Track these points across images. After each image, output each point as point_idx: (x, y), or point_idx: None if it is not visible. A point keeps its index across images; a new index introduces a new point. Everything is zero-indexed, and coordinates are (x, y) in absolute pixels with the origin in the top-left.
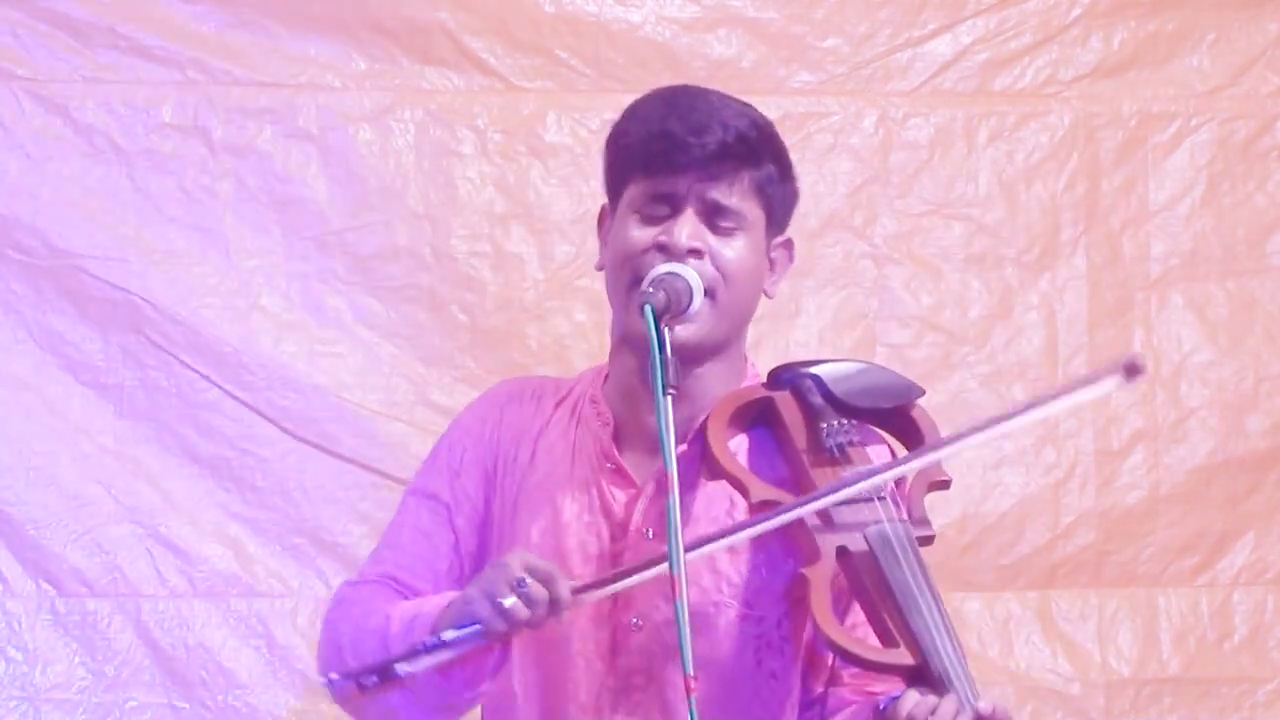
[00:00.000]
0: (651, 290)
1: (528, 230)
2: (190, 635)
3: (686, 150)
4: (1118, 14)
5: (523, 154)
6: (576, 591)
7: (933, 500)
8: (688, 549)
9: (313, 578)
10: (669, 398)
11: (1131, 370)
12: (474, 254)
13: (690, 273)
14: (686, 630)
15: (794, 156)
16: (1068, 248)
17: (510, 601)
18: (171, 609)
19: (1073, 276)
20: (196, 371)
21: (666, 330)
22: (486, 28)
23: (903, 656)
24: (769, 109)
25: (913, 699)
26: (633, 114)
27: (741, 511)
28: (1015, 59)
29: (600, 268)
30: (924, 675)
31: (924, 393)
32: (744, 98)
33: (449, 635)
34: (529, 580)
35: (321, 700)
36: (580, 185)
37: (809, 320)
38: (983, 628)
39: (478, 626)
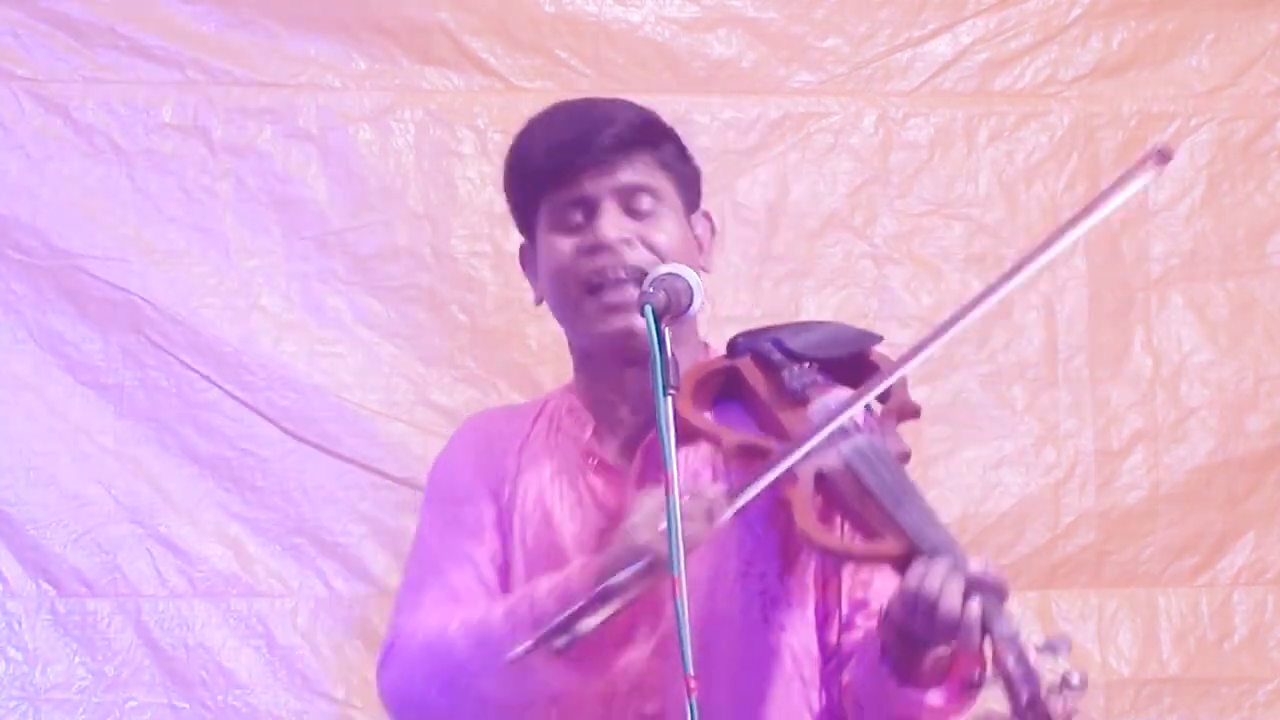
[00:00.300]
0: (651, 290)
1: None
2: (190, 635)
3: (585, 150)
4: (1117, 14)
5: None
6: (730, 495)
7: (905, 433)
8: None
9: (313, 578)
10: (670, 397)
11: (1163, 157)
12: (474, 254)
13: (689, 272)
14: (686, 630)
15: (794, 156)
16: (1067, 248)
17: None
18: (171, 609)
19: (1072, 276)
20: (196, 371)
21: (666, 330)
22: (486, 28)
23: (890, 546)
24: (769, 109)
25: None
26: (522, 140)
27: (726, 475)
28: (1015, 59)
29: (539, 301)
30: (914, 557)
31: (880, 339)
32: (744, 98)
33: (620, 578)
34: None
35: (322, 700)
36: None
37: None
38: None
39: (644, 561)
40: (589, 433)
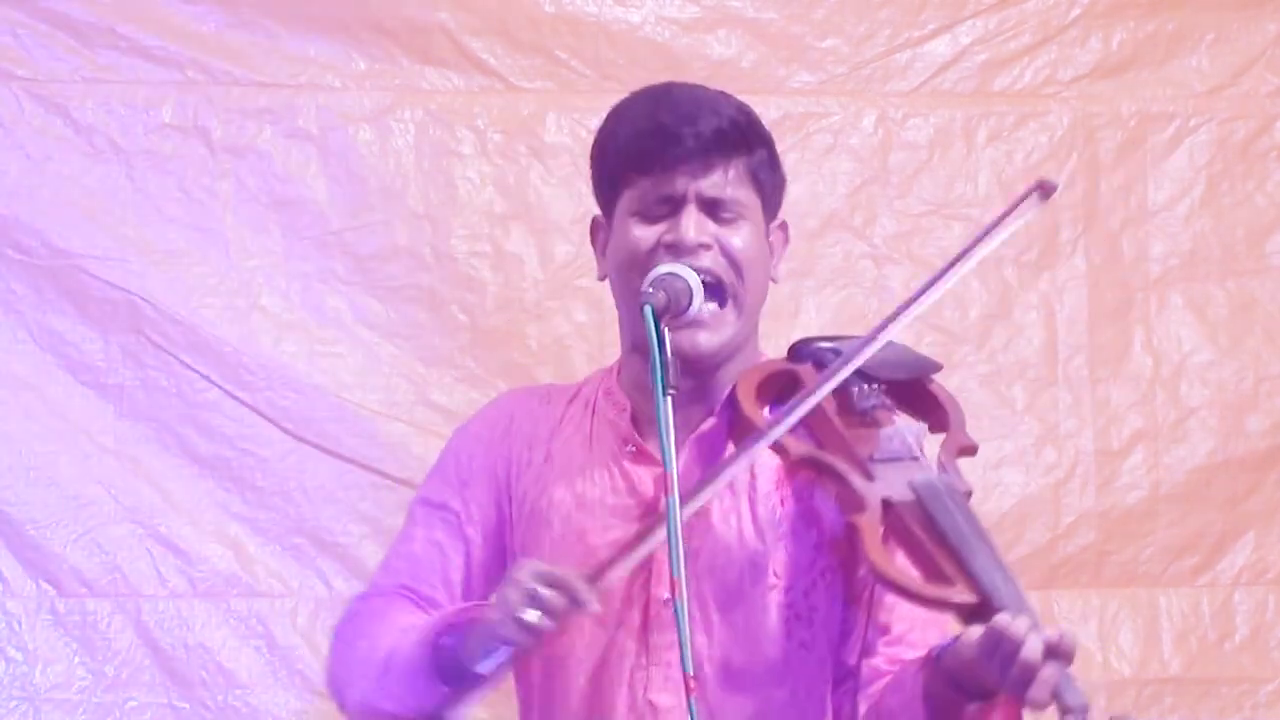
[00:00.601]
0: (651, 290)
1: (527, 230)
2: (190, 635)
3: (680, 141)
4: (1117, 14)
5: (522, 154)
6: (591, 580)
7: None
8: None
9: (313, 578)
10: (669, 399)
11: (1045, 191)
12: (474, 254)
13: (689, 273)
14: (687, 630)
15: (794, 156)
16: (1067, 248)
17: (532, 615)
18: (171, 609)
19: (1072, 277)
20: (196, 371)
21: (667, 330)
22: (486, 28)
23: (963, 594)
24: (769, 109)
25: (977, 631)
26: (618, 116)
27: (761, 480)
28: (1014, 59)
29: (603, 278)
30: (986, 613)
31: (940, 366)
32: (744, 98)
33: (485, 668)
34: (540, 590)
35: (321, 700)
36: (580, 185)
37: (809, 320)
38: None
39: (508, 649)
40: (627, 419)
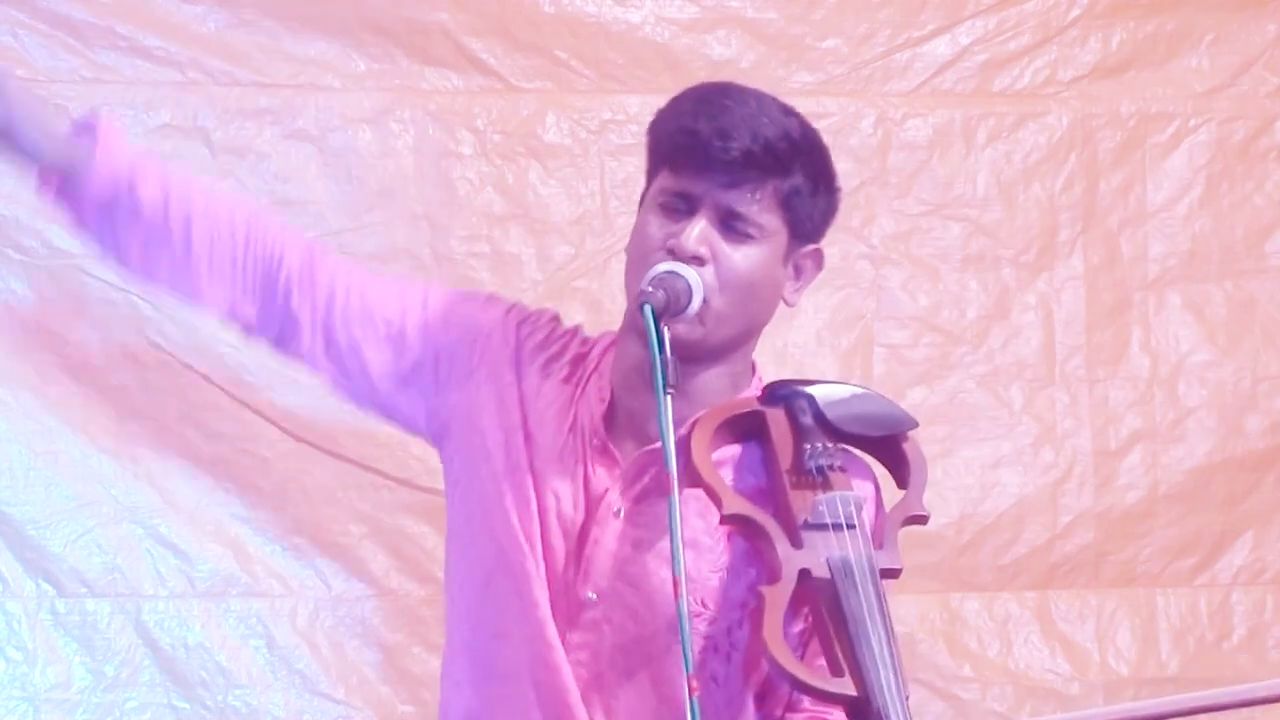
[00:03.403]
0: (651, 289)
1: (526, 231)
2: (190, 635)
3: (708, 152)
4: (1116, 14)
5: (522, 155)
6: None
7: (907, 533)
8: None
9: (313, 578)
10: (669, 396)
11: None
12: (472, 255)
13: (690, 273)
14: (687, 630)
15: None
16: (1065, 248)
17: None
18: (171, 609)
19: (1070, 277)
20: (196, 371)
21: (666, 328)
22: (486, 28)
23: (845, 686)
24: None
25: None
26: (672, 104)
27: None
28: (1014, 59)
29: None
30: (864, 710)
31: (916, 425)
32: None
33: None
34: None
35: (321, 700)
36: (579, 186)
37: (806, 321)
38: (981, 628)
39: None
40: (603, 410)
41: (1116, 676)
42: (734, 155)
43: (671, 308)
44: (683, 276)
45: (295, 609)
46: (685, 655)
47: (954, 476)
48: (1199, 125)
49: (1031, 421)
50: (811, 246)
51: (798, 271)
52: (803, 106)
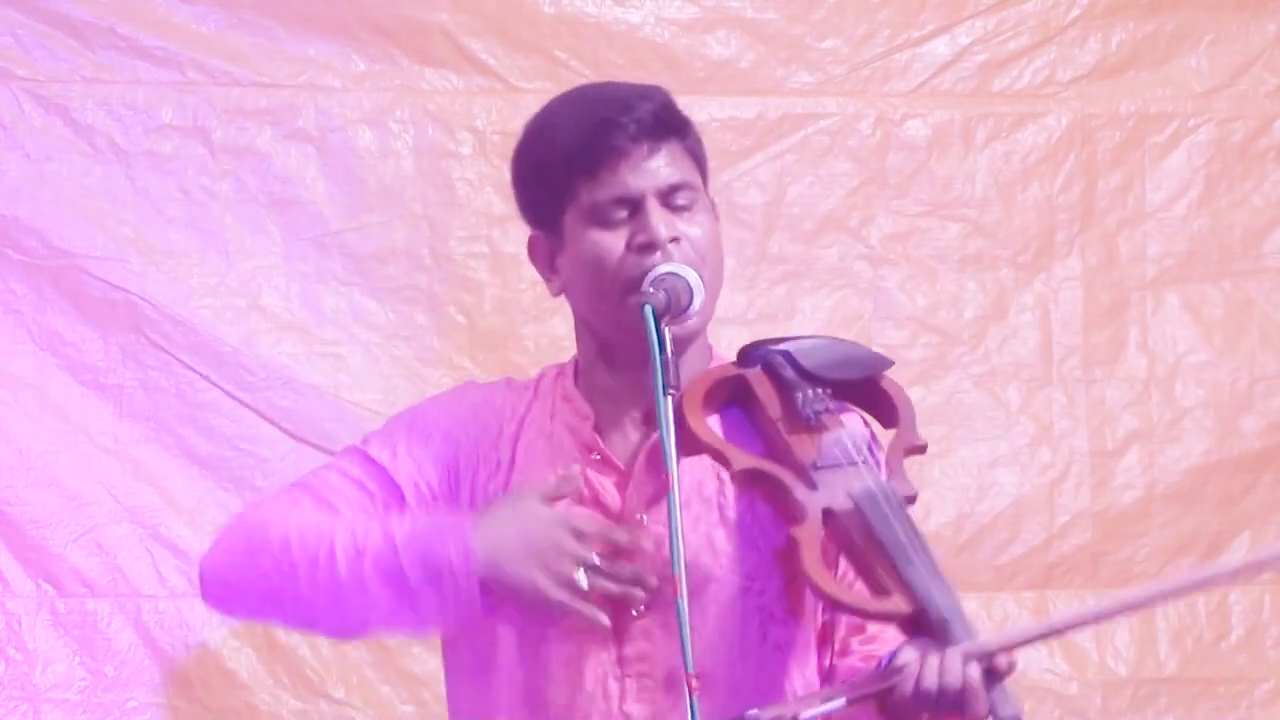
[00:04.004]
0: (652, 290)
1: (526, 231)
2: (190, 635)
3: (623, 129)
4: (1116, 15)
5: None
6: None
7: (911, 466)
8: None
9: None
10: (669, 398)
11: None
12: (472, 255)
13: (690, 272)
14: (688, 629)
15: (792, 157)
16: (1063, 248)
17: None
18: (171, 609)
19: (1068, 277)
20: (196, 371)
21: (666, 329)
22: (486, 28)
23: (899, 604)
24: (768, 109)
25: (912, 656)
26: (549, 127)
27: (729, 486)
28: (1013, 60)
29: (558, 293)
30: (922, 623)
31: (892, 363)
32: (743, 98)
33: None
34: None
35: (321, 700)
36: None
37: (804, 321)
38: (980, 628)
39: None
40: (590, 425)
41: (1114, 676)
42: (646, 118)
43: (673, 308)
44: (682, 277)
45: None
46: (685, 655)
47: (951, 476)
48: (1198, 125)
49: (1029, 421)
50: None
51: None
52: (803, 106)
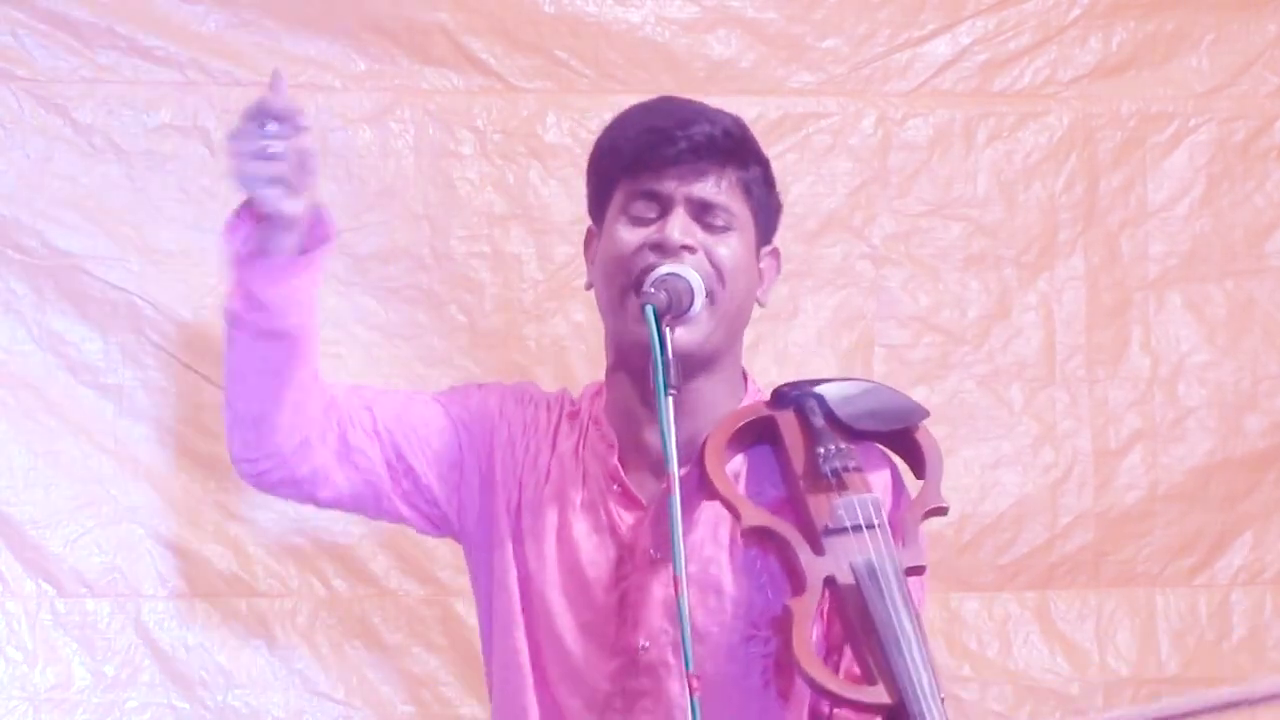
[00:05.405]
0: (653, 290)
1: (526, 231)
2: (190, 635)
3: (673, 143)
4: (1117, 14)
5: (522, 154)
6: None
7: (928, 526)
8: None
9: (312, 578)
10: (670, 398)
11: None
12: (473, 254)
13: (691, 273)
14: (688, 628)
15: (793, 157)
16: (1066, 248)
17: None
18: (171, 609)
19: (1071, 277)
20: (196, 372)
21: (668, 331)
22: (486, 28)
23: (879, 695)
24: (769, 109)
25: None
26: (614, 125)
27: None
28: (1014, 59)
29: (589, 286)
30: (900, 717)
31: (927, 414)
32: (744, 98)
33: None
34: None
35: (321, 700)
36: (580, 186)
37: (807, 320)
38: (981, 628)
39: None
40: (614, 455)
41: (1116, 676)
42: (698, 141)
43: (674, 308)
44: (683, 277)
45: (295, 609)
46: (685, 655)
47: (954, 476)
48: (1199, 125)
49: (1031, 421)
50: (771, 246)
51: (762, 272)
52: (803, 106)
